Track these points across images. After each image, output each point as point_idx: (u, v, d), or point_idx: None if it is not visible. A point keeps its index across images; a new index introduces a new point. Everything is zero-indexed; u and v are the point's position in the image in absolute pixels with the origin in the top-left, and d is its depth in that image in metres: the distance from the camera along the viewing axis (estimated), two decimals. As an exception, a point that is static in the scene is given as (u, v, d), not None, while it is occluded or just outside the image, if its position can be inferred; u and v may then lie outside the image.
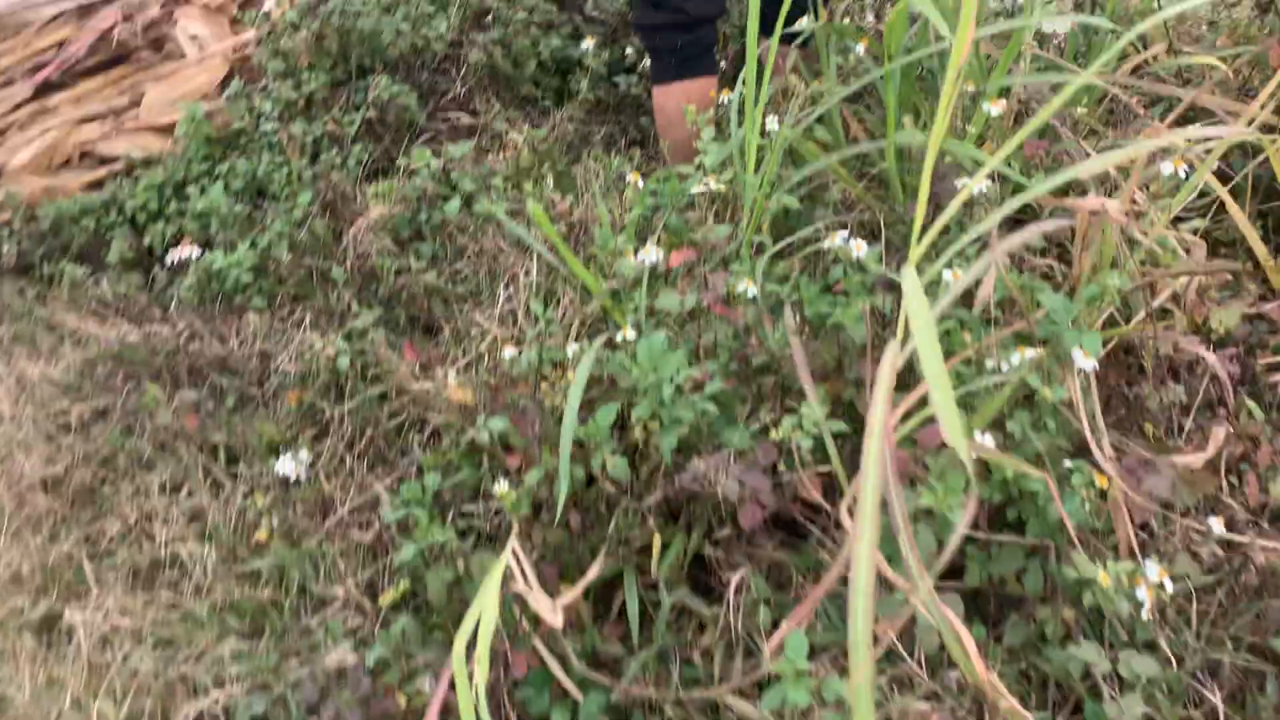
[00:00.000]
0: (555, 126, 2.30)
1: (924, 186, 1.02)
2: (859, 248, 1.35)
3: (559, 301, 1.90)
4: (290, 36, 2.38)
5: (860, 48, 1.78)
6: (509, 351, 1.52)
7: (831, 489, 1.39)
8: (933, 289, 1.43)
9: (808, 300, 1.40)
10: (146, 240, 2.27)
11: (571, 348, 1.55)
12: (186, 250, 2.07)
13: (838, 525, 1.36)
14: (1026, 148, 1.63)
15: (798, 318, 1.37)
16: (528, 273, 1.94)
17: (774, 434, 1.23)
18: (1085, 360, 1.15)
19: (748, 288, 1.35)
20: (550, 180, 2.03)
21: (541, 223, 1.45)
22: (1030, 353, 1.16)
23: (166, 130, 2.58)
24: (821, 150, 1.68)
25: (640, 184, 1.64)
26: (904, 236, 1.70)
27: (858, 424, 1.40)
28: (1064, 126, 1.69)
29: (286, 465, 1.75)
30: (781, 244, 1.53)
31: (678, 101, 2.11)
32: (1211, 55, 1.75)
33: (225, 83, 2.67)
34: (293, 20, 2.40)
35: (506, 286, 1.98)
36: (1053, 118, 1.75)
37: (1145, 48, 1.85)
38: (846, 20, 2.07)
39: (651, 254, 1.45)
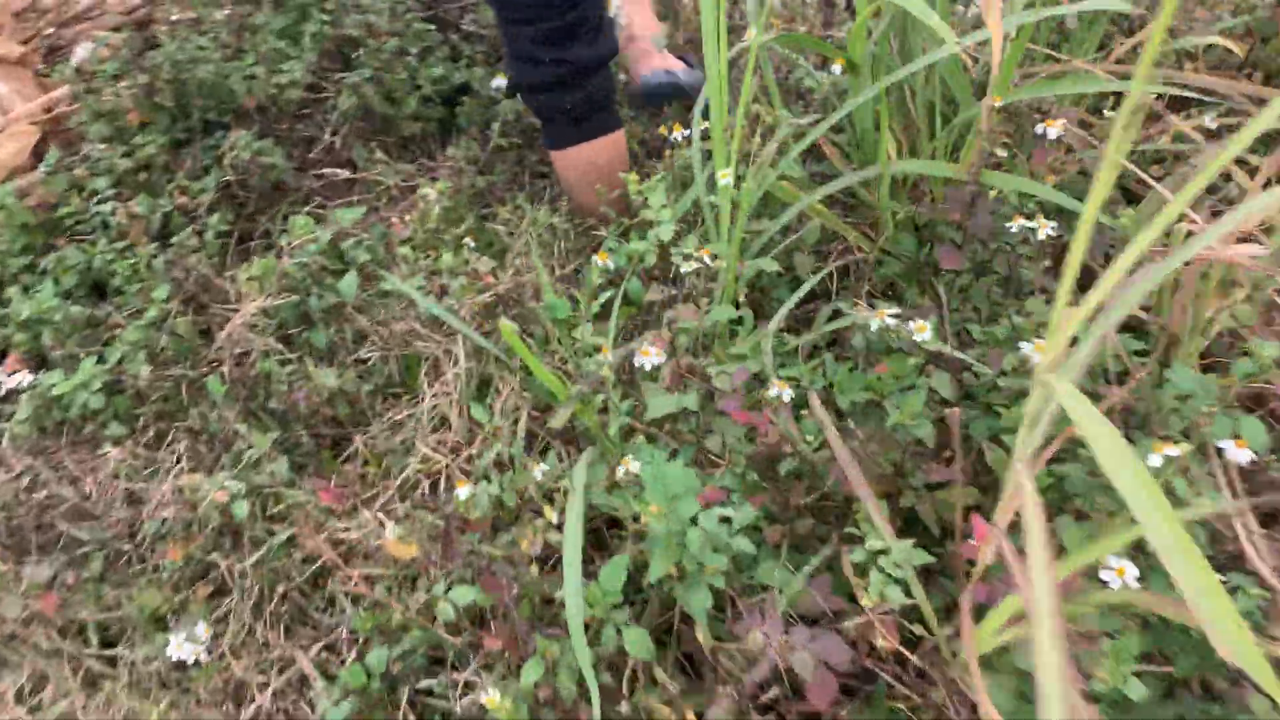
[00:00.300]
0: (460, 173, 1.95)
1: (1072, 262, 0.74)
2: (922, 329, 1.06)
3: (498, 390, 1.58)
4: (114, 92, 1.97)
5: (831, 69, 1.49)
6: (464, 491, 1.19)
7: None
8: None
9: (839, 387, 1.12)
10: (-41, 360, 1.84)
11: (539, 470, 1.23)
12: (16, 375, 1.65)
13: (920, 674, 1.08)
14: (1038, 156, 1.38)
15: (842, 418, 1.09)
16: (453, 359, 1.60)
17: (864, 600, 0.94)
18: (1240, 452, 0.91)
19: (780, 390, 1.05)
20: (468, 241, 1.70)
21: (516, 346, 1.13)
22: (1172, 450, 0.90)
23: (-29, 216, 2.13)
24: (796, 188, 1.40)
25: (604, 263, 1.32)
26: (901, 274, 1.44)
27: (920, 534, 1.13)
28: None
29: (181, 647, 1.37)
30: (781, 313, 1.24)
31: (581, 169, 1.80)
32: (1212, 34, 1.54)
33: (38, 151, 2.23)
34: (114, 72, 1.99)
35: (428, 378, 1.63)
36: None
37: (1132, 32, 1.63)
38: (803, 30, 1.79)
39: (652, 357, 1.13)
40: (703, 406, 1.16)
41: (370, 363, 1.71)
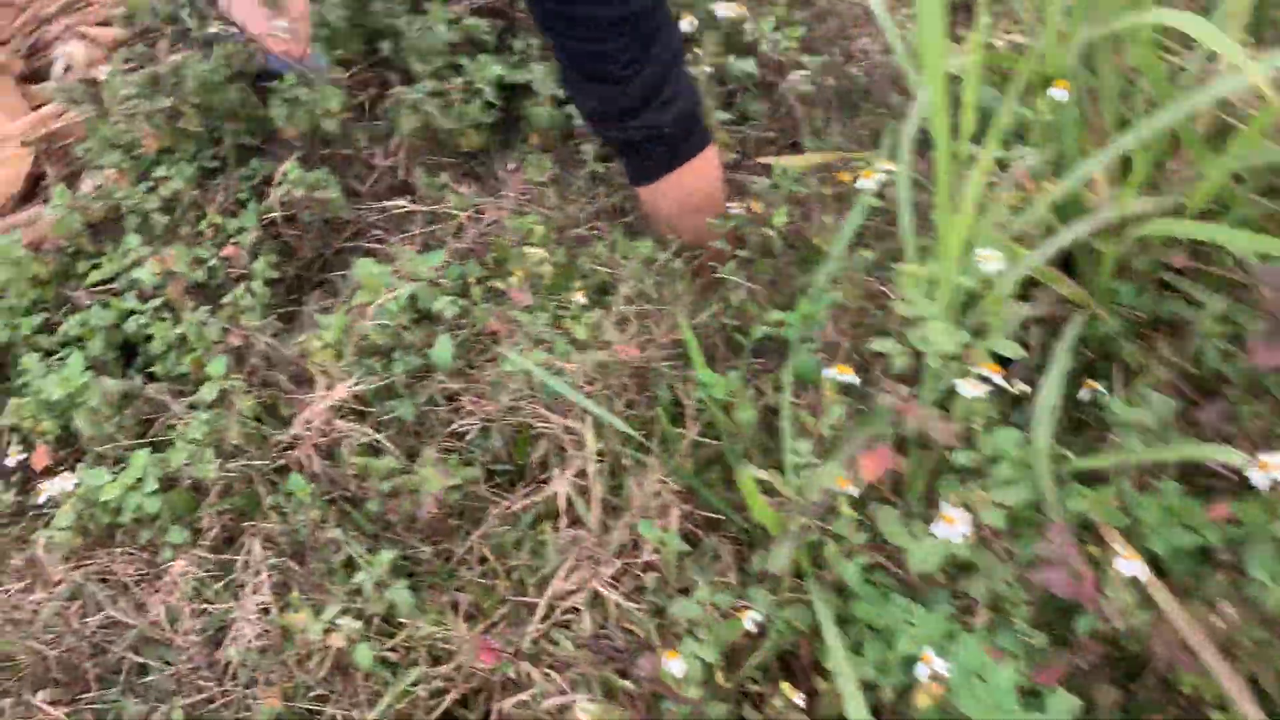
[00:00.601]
0: (537, 198, 1.69)
1: None
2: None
3: (632, 475, 1.34)
4: (129, 115, 1.68)
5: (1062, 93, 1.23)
6: (676, 666, 0.96)
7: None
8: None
9: (1152, 529, 0.90)
10: (-27, 443, 1.57)
11: (749, 620, 1.01)
12: (56, 481, 1.39)
13: None
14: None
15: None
16: (577, 440, 1.36)
17: None
18: None
19: (1135, 567, 0.83)
20: (579, 298, 1.45)
21: (753, 501, 0.90)
22: None
23: (-40, 260, 1.83)
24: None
25: (847, 377, 1.07)
26: (1118, 332, 1.22)
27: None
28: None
29: (299, 822, 1.15)
30: (1048, 416, 1.01)
31: (680, 198, 1.57)
32: None
33: (33, 180, 1.93)
34: (129, 93, 1.69)
35: (547, 460, 1.39)
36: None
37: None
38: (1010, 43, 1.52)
39: (959, 526, 0.90)
40: (974, 549, 0.94)
41: (468, 436, 1.46)
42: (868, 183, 1.22)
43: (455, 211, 1.69)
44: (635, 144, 1.53)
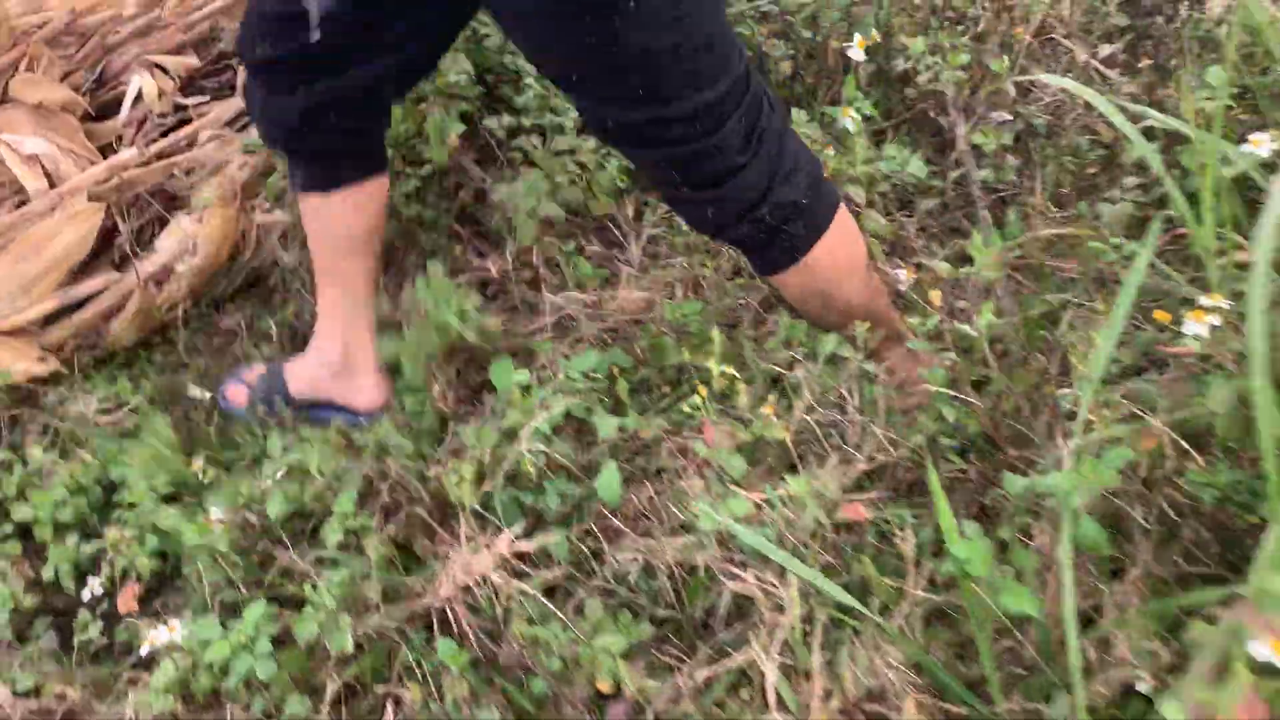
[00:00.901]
0: (691, 280, 1.46)
1: None
2: None
3: (846, 644, 1.12)
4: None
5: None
6: None
7: None
8: None
9: None
10: (49, 573, 1.35)
11: None
12: (163, 631, 1.16)
13: None
14: None
15: None
16: (776, 602, 1.13)
17: None
18: None
19: None
20: (769, 413, 1.22)
21: None
22: None
23: (23, 335, 1.61)
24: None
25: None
26: None
27: None
28: None
29: None
30: None
31: (828, 267, 1.33)
32: None
33: (105, 234, 1.71)
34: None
35: (729, 614, 1.17)
36: None
37: None
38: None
39: None
40: None
41: (629, 576, 1.24)
42: (1197, 327, 0.96)
43: (594, 297, 1.46)
44: (770, 230, 1.29)
